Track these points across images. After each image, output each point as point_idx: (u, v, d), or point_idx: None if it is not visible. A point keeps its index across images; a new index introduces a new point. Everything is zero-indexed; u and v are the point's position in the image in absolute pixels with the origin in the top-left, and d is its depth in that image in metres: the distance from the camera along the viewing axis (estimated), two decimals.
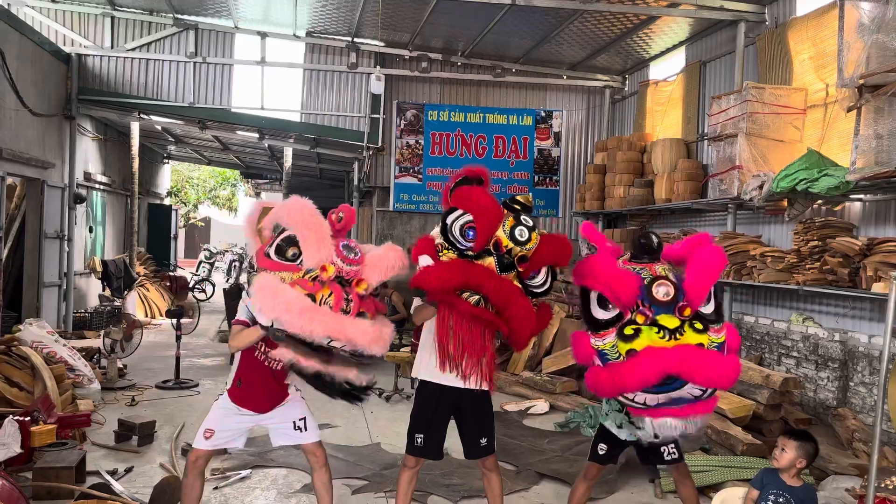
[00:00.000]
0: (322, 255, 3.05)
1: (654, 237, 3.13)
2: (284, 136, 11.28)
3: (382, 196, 11.16)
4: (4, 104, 8.18)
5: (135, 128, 10.86)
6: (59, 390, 5.66)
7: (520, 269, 3.16)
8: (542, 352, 7.82)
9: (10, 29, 8.29)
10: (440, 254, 3.21)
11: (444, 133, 11.05)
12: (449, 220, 3.23)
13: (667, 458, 3.49)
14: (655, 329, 2.82)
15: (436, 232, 3.29)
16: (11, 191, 9.54)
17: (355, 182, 11.42)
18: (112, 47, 10.31)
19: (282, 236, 3.15)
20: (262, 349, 3.34)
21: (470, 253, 3.18)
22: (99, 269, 10.94)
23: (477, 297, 3.10)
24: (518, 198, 3.32)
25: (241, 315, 3.33)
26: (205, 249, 21.15)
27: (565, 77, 11.20)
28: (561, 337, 7.74)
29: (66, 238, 9.85)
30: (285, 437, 3.56)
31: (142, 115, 10.68)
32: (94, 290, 11.61)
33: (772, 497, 3.17)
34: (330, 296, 3.00)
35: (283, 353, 3.03)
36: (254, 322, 3.20)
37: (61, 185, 9.77)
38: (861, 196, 5.96)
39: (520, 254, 3.12)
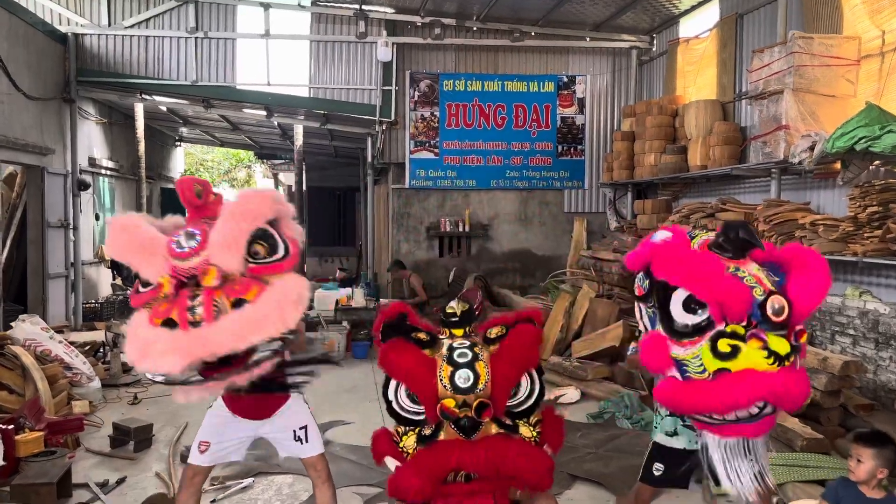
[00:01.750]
0: (155, 269, 2.47)
1: (752, 230, 2.49)
2: (293, 112, 10.77)
3: (398, 173, 10.62)
4: None
5: (139, 109, 10.41)
6: (53, 391, 5.29)
7: (485, 420, 2.58)
8: (570, 335, 7.29)
9: None
10: (400, 444, 2.68)
11: (460, 104, 10.45)
12: (390, 395, 2.71)
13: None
14: (765, 353, 2.28)
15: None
16: (12, 179, 9.19)
17: (369, 159, 10.88)
18: (109, 25, 9.83)
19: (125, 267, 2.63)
20: None
21: (428, 432, 2.64)
22: (108, 257, 10.59)
23: (464, 473, 2.60)
24: (448, 310, 2.78)
25: None
26: None
27: (588, 39, 10.51)
28: (591, 319, 7.19)
29: (70, 227, 9.48)
30: (285, 449, 3.10)
31: (144, 96, 10.23)
32: (105, 279, 11.29)
33: None
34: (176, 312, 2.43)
35: (191, 395, 2.53)
36: None
37: (63, 172, 9.38)
38: None
39: (476, 402, 2.54)
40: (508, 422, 2.65)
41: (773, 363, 2.25)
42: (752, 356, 2.26)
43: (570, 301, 7.46)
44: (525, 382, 2.68)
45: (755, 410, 2.34)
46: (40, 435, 4.40)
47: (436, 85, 10.39)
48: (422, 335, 2.69)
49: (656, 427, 3.02)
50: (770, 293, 2.33)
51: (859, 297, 5.83)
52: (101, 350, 7.18)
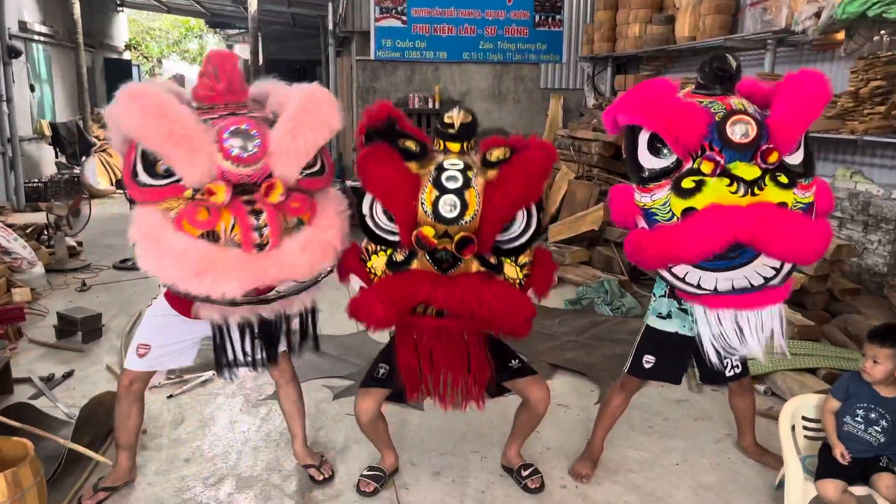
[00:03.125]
0: (200, 171, 2.08)
1: (731, 59, 2.26)
2: None
3: (362, 43, 9.82)
4: None
5: None
6: None
7: (466, 258, 2.22)
8: (547, 218, 6.98)
9: None
10: (368, 263, 2.33)
11: None
12: (366, 209, 2.33)
13: (728, 374, 2.76)
14: (727, 181, 2.07)
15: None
16: None
17: (330, 27, 10.02)
18: None
19: (141, 150, 2.14)
20: None
21: (400, 258, 2.28)
22: (48, 133, 9.80)
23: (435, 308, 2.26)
24: (446, 119, 2.31)
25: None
26: None
27: None
28: (569, 202, 6.87)
29: (3, 99, 8.63)
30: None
31: None
32: (48, 157, 10.52)
33: (861, 412, 2.46)
34: (234, 227, 2.08)
35: (207, 314, 2.24)
36: None
37: None
38: None
39: (458, 237, 2.17)
40: (493, 260, 2.30)
41: (736, 191, 2.05)
42: (717, 188, 2.06)
43: (548, 183, 7.09)
44: (521, 217, 2.31)
45: (769, 273, 2.14)
46: None
47: None
48: (410, 144, 2.29)
49: (650, 310, 2.74)
50: (731, 112, 2.12)
51: (850, 178, 5.57)
52: (45, 233, 6.67)
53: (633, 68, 9.35)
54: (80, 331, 4.42)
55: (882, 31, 5.16)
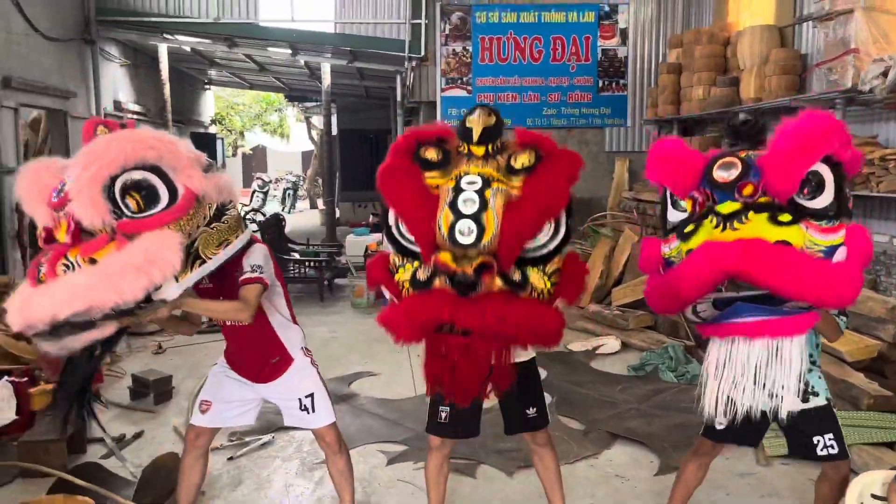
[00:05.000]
0: (40, 216, 2.25)
1: (741, 115, 2.28)
2: (319, 50, 10.34)
3: (429, 112, 10.16)
4: (10, 28, 7.49)
5: (162, 50, 10.10)
6: None
7: (486, 282, 2.15)
8: (611, 282, 6.90)
9: None
10: (396, 277, 2.31)
11: (494, 37, 9.86)
12: (391, 221, 2.32)
13: (820, 453, 2.51)
14: (711, 217, 2.10)
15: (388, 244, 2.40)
16: (36, 124, 9.00)
17: (398, 98, 10.43)
18: None
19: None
20: None
21: (421, 277, 2.25)
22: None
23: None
24: (467, 124, 2.24)
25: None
26: (257, 178, 20.71)
27: None
28: (632, 265, 6.78)
29: None
30: (292, 418, 2.84)
31: (165, 35, 9.89)
32: None
33: None
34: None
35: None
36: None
37: (87, 116, 9.17)
38: None
39: (475, 263, 2.11)
40: (517, 276, 2.21)
41: (717, 226, 2.07)
42: (706, 227, 2.11)
43: (611, 246, 7.04)
44: (548, 226, 2.22)
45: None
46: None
47: (468, 17, 9.80)
48: (431, 153, 2.22)
49: None
50: (722, 154, 2.16)
51: None
52: None
53: (700, 130, 9.27)
54: (151, 392, 4.62)
55: None
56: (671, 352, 5.26)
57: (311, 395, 2.76)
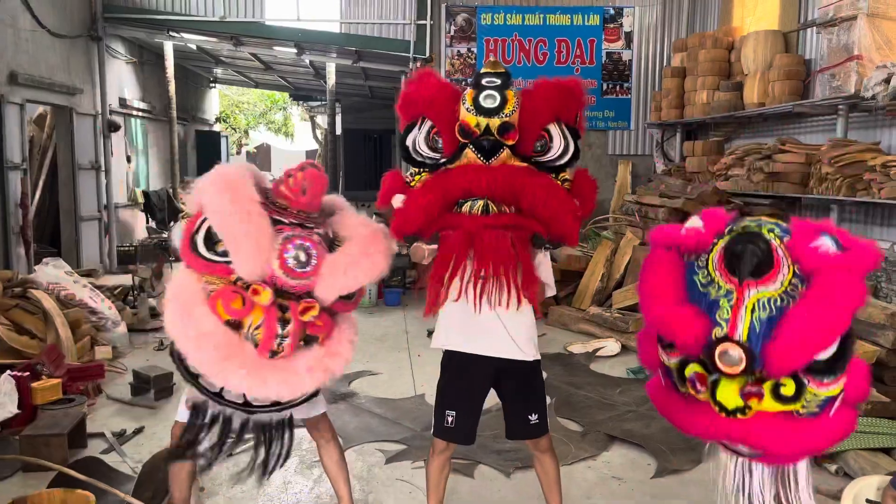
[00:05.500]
0: (253, 268, 2.20)
1: (754, 248, 1.83)
2: (324, 50, 10.36)
3: None
4: (17, 25, 7.53)
5: (168, 48, 10.15)
6: (75, 337, 5.18)
7: (509, 144, 2.26)
8: (611, 284, 6.92)
9: None
10: (412, 184, 2.37)
11: (499, 39, 9.87)
12: (410, 142, 2.39)
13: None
14: (712, 401, 1.86)
15: (404, 166, 2.48)
16: (42, 120, 9.05)
17: None
18: None
19: (208, 227, 2.29)
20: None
21: (444, 160, 2.33)
22: (140, 200, 10.51)
23: (480, 202, 2.25)
24: (482, 70, 2.41)
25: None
26: None
27: None
28: (634, 268, 6.79)
29: (101, 169, 9.36)
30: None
31: (171, 33, 9.93)
32: (141, 223, 11.24)
33: None
34: (259, 327, 2.19)
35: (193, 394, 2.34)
36: None
37: (93, 113, 9.22)
38: None
39: (499, 123, 2.24)
40: (536, 158, 2.35)
41: (720, 411, 1.84)
42: (707, 397, 1.89)
43: (612, 249, 7.06)
44: (558, 137, 2.38)
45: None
46: (57, 382, 4.26)
47: (473, 18, 9.82)
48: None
49: None
50: (724, 338, 1.80)
51: None
52: (131, 294, 7.09)
53: (703, 134, 9.29)
54: (152, 389, 4.65)
55: None
56: None
57: None
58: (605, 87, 10.10)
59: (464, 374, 2.71)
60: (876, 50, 5.42)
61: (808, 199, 6.53)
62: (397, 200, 2.36)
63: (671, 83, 9.13)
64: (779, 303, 1.81)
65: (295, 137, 25.50)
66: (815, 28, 6.70)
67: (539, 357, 2.72)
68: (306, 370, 2.25)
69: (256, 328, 2.19)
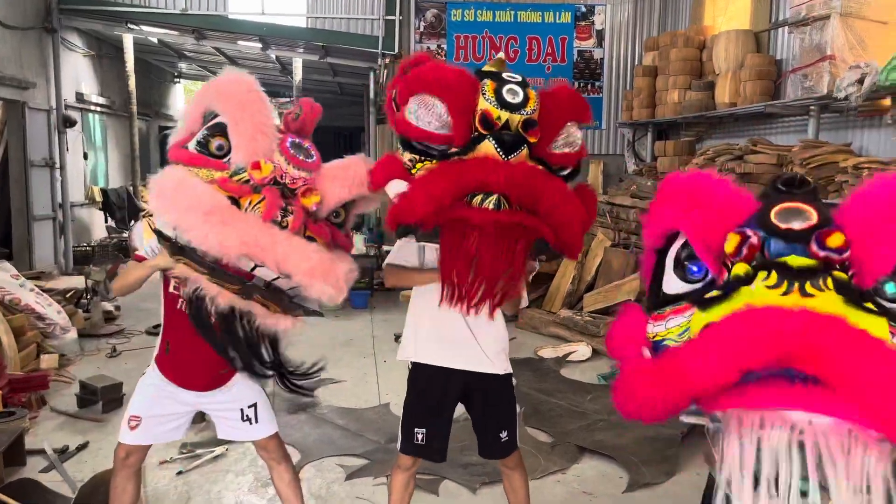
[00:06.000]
0: (257, 147, 2.12)
1: (805, 175, 1.59)
2: (290, 45, 10.09)
3: None
4: None
5: (127, 41, 9.78)
6: (20, 344, 4.89)
7: (532, 141, 2.10)
8: (582, 287, 6.79)
9: None
10: (413, 171, 2.14)
11: (469, 35, 9.71)
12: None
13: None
14: (764, 274, 1.32)
15: (400, 152, 2.24)
16: None
17: (371, 95, 10.23)
18: None
19: (209, 124, 2.19)
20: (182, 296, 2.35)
21: (455, 149, 2.10)
22: (98, 199, 10.14)
23: (493, 197, 2.04)
24: (486, 68, 2.24)
25: (140, 247, 2.39)
26: None
27: None
28: (605, 270, 6.67)
29: (56, 166, 8.99)
30: (230, 430, 2.63)
31: (130, 26, 9.58)
32: (99, 222, 10.87)
33: None
34: (261, 202, 2.09)
35: (182, 272, 2.14)
36: None
37: (46, 108, 8.84)
38: None
39: (522, 119, 2.08)
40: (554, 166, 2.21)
41: (777, 284, 1.30)
42: (753, 290, 1.33)
43: (584, 250, 6.92)
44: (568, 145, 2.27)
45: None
46: None
47: (443, 14, 9.64)
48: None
49: None
50: (783, 200, 1.43)
51: None
52: (84, 297, 6.79)
53: (674, 134, 9.23)
54: (100, 400, 4.39)
55: None
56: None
57: (255, 405, 2.57)
58: (576, 85, 9.98)
59: (433, 389, 2.56)
60: (849, 50, 5.36)
61: None
62: (395, 186, 2.16)
63: (642, 82, 9.05)
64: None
65: None
66: (786, 28, 6.64)
67: (510, 370, 2.58)
68: (313, 250, 2.13)
69: (258, 203, 2.09)
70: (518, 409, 2.75)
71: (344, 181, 2.27)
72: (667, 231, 1.58)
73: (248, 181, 2.11)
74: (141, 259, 2.36)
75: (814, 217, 1.35)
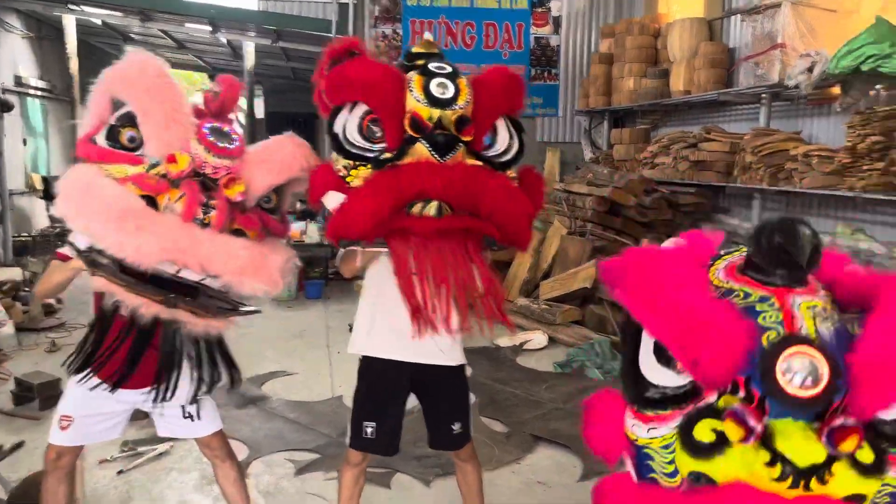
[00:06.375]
0: (170, 138, 1.97)
1: (802, 233, 1.31)
2: (242, 28, 9.81)
3: None
4: None
5: (69, 22, 9.38)
6: None
7: (466, 140, 2.02)
8: (539, 275, 6.76)
9: None
10: (348, 179, 2.05)
11: (425, 20, 9.55)
12: (338, 128, 2.07)
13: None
14: (767, 456, 1.22)
15: (334, 157, 2.14)
16: None
17: None
18: None
19: (118, 114, 2.03)
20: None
21: (388, 155, 2.02)
22: (39, 186, 9.73)
23: (434, 204, 1.97)
24: (414, 49, 2.16)
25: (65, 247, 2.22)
26: None
27: None
28: (561, 258, 6.66)
29: None
30: (172, 428, 2.50)
31: (71, 6, 9.18)
32: (40, 211, 10.43)
33: None
34: (180, 199, 1.94)
35: (99, 285, 1.98)
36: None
37: None
38: None
39: (454, 116, 2.00)
40: (487, 155, 2.12)
41: (780, 478, 1.22)
42: (748, 458, 1.24)
43: (540, 238, 6.90)
44: (504, 132, 2.17)
45: None
46: None
47: None
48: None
49: None
50: (790, 338, 1.24)
51: (851, 236, 5.36)
52: (23, 289, 6.49)
53: (630, 121, 9.27)
54: (37, 397, 4.19)
55: (878, 86, 5.01)
56: (597, 348, 5.16)
57: (197, 402, 2.45)
58: (533, 72, 9.94)
59: (383, 382, 2.48)
60: (799, 38, 5.42)
61: (732, 188, 6.54)
62: (333, 200, 2.06)
63: (599, 69, 9.05)
64: (836, 316, 1.31)
65: None
66: (739, 16, 6.69)
67: (464, 361, 2.51)
68: (241, 247, 2.00)
69: (178, 200, 1.95)
70: (473, 399, 2.70)
71: (271, 165, 2.12)
72: (632, 311, 1.38)
73: (165, 175, 1.97)
74: (65, 258, 2.19)
75: (825, 375, 1.20)
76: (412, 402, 2.57)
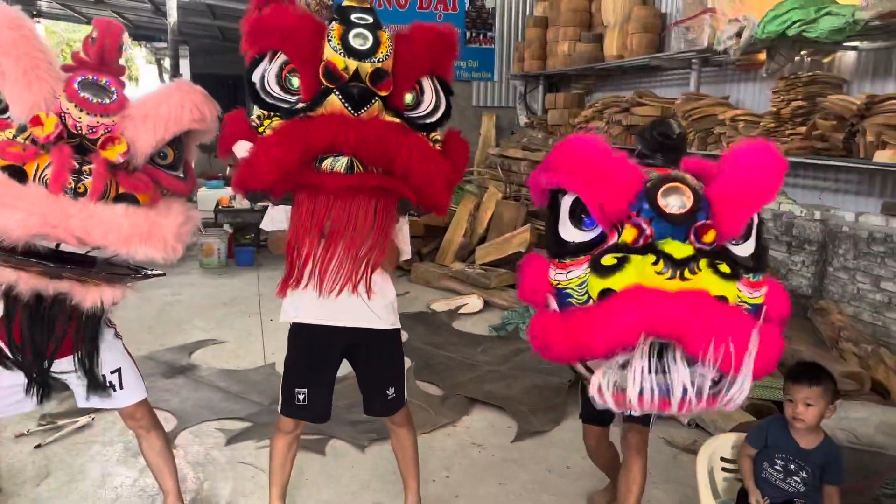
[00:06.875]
0: (34, 97, 1.80)
1: (674, 125, 1.86)
2: None
3: None
4: None
5: None
6: None
7: (383, 95, 1.94)
8: (475, 240, 6.76)
9: None
10: (260, 130, 1.96)
11: None
12: (256, 78, 1.98)
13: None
14: (652, 258, 1.63)
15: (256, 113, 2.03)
16: None
17: None
18: None
19: None
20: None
21: (301, 105, 1.94)
22: None
23: (344, 159, 1.89)
24: (345, 2, 2.02)
25: None
26: None
27: None
28: (497, 222, 6.67)
29: None
30: (91, 398, 2.37)
31: None
32: None
33: (780, 462, 2.27)
34: (48, 166, 1.78)
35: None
36: None
37: None
38: (857, 44, 4.90)
39: (371, 69, 1.92)
40: (408, 114, 2.05)
41: (662, 272, 1.61)
42: (641, 266, 1.63)
43: (476, 203, 6.89)
44: (430, 91, 2.09)
45: (702, 380, 1.62)
46: None
47: None
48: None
49: None
50: (666, 178, 1.69)
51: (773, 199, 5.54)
52: None
53: (565, 86, 9.29)
54: None
55: (802, 52, 5.14)
56: (531, 310, 5.20)
57: (119, 370, 2.33)
58: (468, 35, 9.82)
59: (315, 348, 2.42)
60: (729, 3, 5.48)
61: None
62: (241, 148, 1.96)
63: (533, 33, 9.01)
64: (699, 180, 1.78)
65: (140, 82, 23.43)
66: None
67: (398, 325, 2.47)
68: (122, 213, 1.84)
69: (45, 168, 1.79)
70: (408, 363, 2.66)
71: (157, 120, 1.94)
72: (556, 180, 1.81)
73: (35, 140, 1.80)
74: None
75: (690, 200, 1.67)
76: (344, 367, 2.52)
